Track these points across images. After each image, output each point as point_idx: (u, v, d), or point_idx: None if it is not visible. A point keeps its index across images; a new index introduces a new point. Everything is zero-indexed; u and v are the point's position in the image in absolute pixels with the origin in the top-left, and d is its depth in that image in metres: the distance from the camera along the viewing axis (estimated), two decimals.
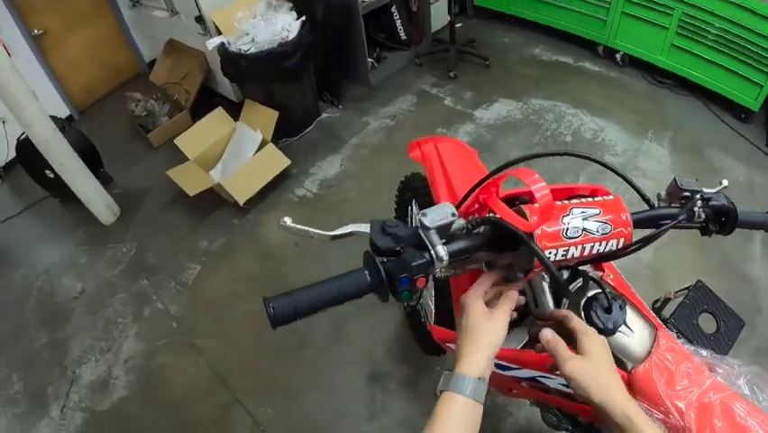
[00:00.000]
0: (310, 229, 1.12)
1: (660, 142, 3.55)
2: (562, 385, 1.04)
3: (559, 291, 0.95)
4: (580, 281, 0.95)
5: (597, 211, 0.83)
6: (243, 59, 3.38)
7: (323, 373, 2.46)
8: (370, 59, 4.30)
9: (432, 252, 0.77)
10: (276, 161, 3.41)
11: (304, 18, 3.56)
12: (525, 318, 1.04)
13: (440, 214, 0.81)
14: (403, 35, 4.58)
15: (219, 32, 3.57)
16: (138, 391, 2.49)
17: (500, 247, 0.86)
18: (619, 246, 0.84)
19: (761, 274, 2.69)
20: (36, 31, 4.25)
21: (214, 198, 3.37)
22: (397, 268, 0.75)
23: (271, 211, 3.34)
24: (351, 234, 1.13)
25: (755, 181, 3.22)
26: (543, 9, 4.85)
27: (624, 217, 0.83)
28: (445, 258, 0.77)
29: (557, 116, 3.84)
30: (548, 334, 0.83)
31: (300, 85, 3.75)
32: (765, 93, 3.67)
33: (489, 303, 0.86)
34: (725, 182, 0.97)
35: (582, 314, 0.89)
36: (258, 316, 2.68)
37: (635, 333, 0.94)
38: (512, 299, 0.88)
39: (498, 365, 1.09)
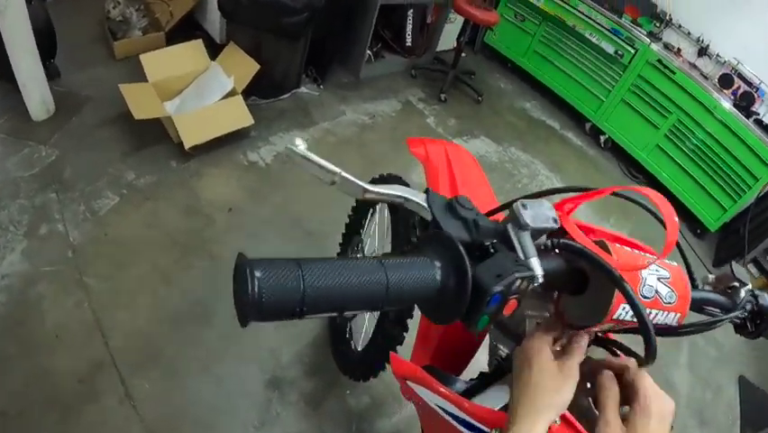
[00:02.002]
0: (328, 165, 0.64)
1: (620, 230, 3.51)
2: None
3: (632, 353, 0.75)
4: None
5: (667, 275, 0.69)
6: None
7: (219, 361, 2.18)
8: (369, 51, 4.11)
9: (527, 263, 0.57)
10: (239, 115, 3.13)
11: None
12: (507, 374, 0.86)
13: (542, 214, 0.63)
14: (409, 41, 4.43)
15: None
16: (2, 316, 2.12)
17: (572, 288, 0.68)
18: (674, 322, 0.70)
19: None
20: None
21: (159, 132, 3.06)
22: (491, 276, 0.51)
23: (215, 167, 3.04)
24: (388, 198, 0.72)
25: None
26: (547, 69, 4.86)
27: (686, 290, 0.69)
28: (540, 277, 0.57)
29: (532, 173, 3.81)
30: (608, 379, 0.68)
31: (292, 47, 3.50)
32: (727, 217, 3.80)
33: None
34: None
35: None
36: (163, 272, 2.44)
37: None
38: (583, 349, 0.72)
39: (466, 424, 0.87)
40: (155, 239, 2.56)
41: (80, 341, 2.10)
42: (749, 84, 3.91)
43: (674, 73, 4.03)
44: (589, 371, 0.72)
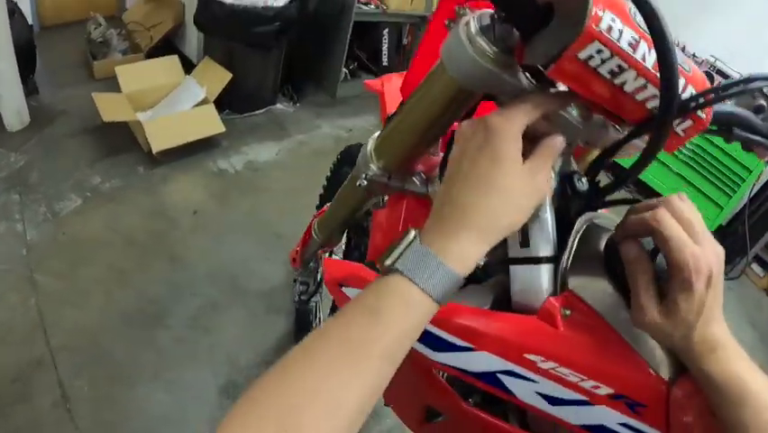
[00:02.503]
0: None
1: None
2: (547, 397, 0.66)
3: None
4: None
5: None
6: (219, 8, 3.13)
7: (170, 365, 2.07)
8: (345, 69, 4.13)
9: None
10: (209, 122, 3.13)
11: None
12: (494, 274, 0.70)
13: None
14: (385, 61, 4.45)
15: None
16: None
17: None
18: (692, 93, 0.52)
19: None
20: None
21: (129, 141, 3.06)
22: None
23: (183, 173, 3.02)
24: None
25: None
26: None
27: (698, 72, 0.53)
28: None
29: None
30: (634, 250, 0.54)
31: (265, 59, 3.53)
32: (724, 215, 3.74)
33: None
34: None
35: (604, 254, 0.63)
36: (120, 272, 2.35)
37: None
38: (554, 154, 0.55)
39: (430, 339, 0.68)
40: (114, 240, 2.51)
41: (21, 339, 2.01)
42: (728, 79, 3.85)
43: None
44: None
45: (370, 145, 0.76)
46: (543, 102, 0.53)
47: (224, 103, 3.41)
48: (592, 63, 0.46)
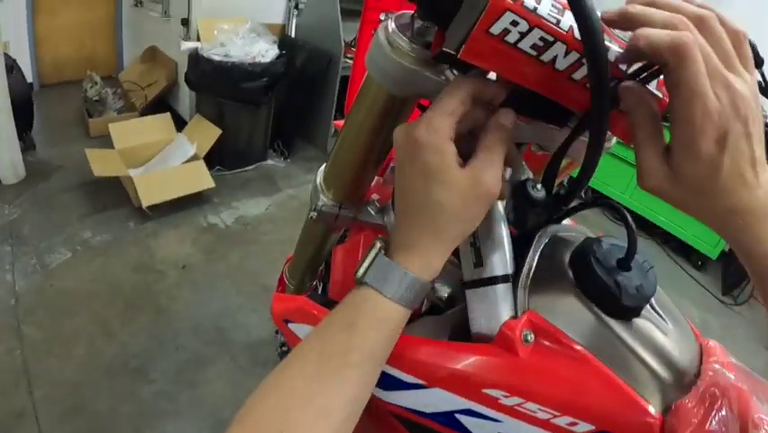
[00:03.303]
0: None
1: None
2: None
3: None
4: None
5: None
6: (208, 65, 3.26)
7: (151, 419, 2.02)
8: (335, 122, 4.24)
9: None
10: (199, 178, 3.19)
11: (283, 51, 3.52)
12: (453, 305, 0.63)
13: None
14: None
15: (199, 39, 3.49)
16: None
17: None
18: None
19: None
20: None
21: (121, 197, 3.12)
22: None
23: (173, 228, 3.06)
24: None
25: (710, 323, 3.27)
26: None
27: None
28: None
29: None
30: (636, 90, 0.42)
31: (255, 115, 3.62)
32: (725, 241, 3.73)
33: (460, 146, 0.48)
34: None
35: (570, 268, 0.55)
36: (104, 324, 2.38)
37: (672, 328, 0.55)
38: (502, 134, 0.48)
39: (386, 381, 0.57)
40: (101, 293, 2.53)
41: (3, 389, 2.01)
42: None
43: None
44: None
45: (319, 177, 0.72)
46: (463, 91, 0.47)
47: (215, 159, 3.50)
48: (509, 38, 0.41)
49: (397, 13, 0.52)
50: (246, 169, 3.82)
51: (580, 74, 0.43)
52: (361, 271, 0.50)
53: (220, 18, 3.50)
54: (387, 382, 0.57)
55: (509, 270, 0.55)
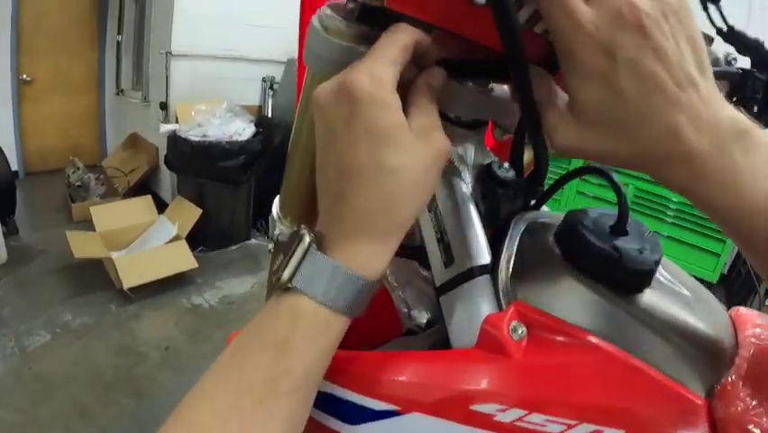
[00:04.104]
0: None
1: None
2: None
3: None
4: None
5: None
6: (186, 146, 3.35)
7: None
8: None
9: None
10: (182, 258, 3.19)
11: (260, 130, 3.63)
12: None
13: None
14: None
15: (177, 122, 3.60)
16: None
17: None
18: None
19: None
20: (25, 76, 4.40)
21: (102, 278, 3.10)
22: None
23: (156, 310, 3.02)
24: None
25: None
26: None
27: None
28: None
29: None
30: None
31: (235, 195, 3.68)
32: (723, 262, 3.70)
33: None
34: None
35: (556, 245, 0.46)
36: (82, 408, 2.32)
37: (691, 298, 0.46)
38: (435, 89, 0.41)
39: (339, 407, 0.45)
40: (80, 376, 2.46)
41: None
42: None
43: None
44: None
45: (275, 208, 0.65)
46: (407, 37, 0.38)
47: (198, 240, 3.51)
48: None
49: (329, 2, 0.44)
50: (230, 248, 3.83)
51: (541, 27, 0.38)
52: (287, 273, 0.37)
53: (197, 101, 3.64)
54: (350, 413, 0.44)
55: (487, 259, 0.46)
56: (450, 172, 0.51)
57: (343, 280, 0.37)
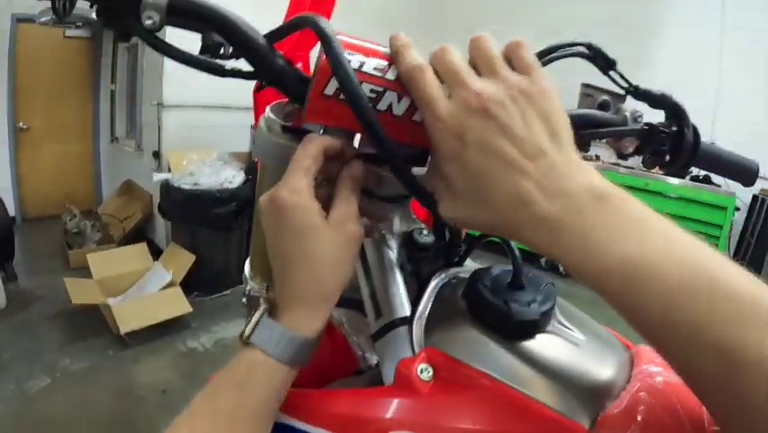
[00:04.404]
0: None
1: None
2: None
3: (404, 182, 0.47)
4: None
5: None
6: (179, 194, 3.48)
7: None
8: None
9: None
10: (176, 304, 3.28)
11: (250, 177, 3.76)
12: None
13: None
14: None
15: (170, 171, 3.74)
16: None
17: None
18: None
19: None
20: (22, 124, 4.48)
21: (100, 324, 3.17)
22: None
23: (153, 354, 3.09)
24: None
25: None
26: None
27: None
28: None
29: None
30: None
31: (228, 239, 3.79)
32: None
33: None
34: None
35: (463, 299, 0.56)
36: None
37: (584, 339, 0.55)
38: (355, 179, 0.50)
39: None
40: (80, 418, 2.53)
41: None
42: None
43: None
44: None
45: (246, 266, 0.76)
46: (314, 148, 0.48)
47: (193, 285, 3.60)
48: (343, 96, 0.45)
49: (274, 102, 0.57)
50: (224, 293, 3.90)
51: (419, 116, 0.45)
52: (247, 331, 0.49)
53: (189, 150, 3.79)
54: None
55: (406, 312, 0.56)
56: (379, 240, 0.61)
57: (287, 340, 0.48)
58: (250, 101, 4.35)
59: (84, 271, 3.55)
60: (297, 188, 0.46)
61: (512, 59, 0.42)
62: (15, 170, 4.59)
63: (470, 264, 0.65)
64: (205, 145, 3.93)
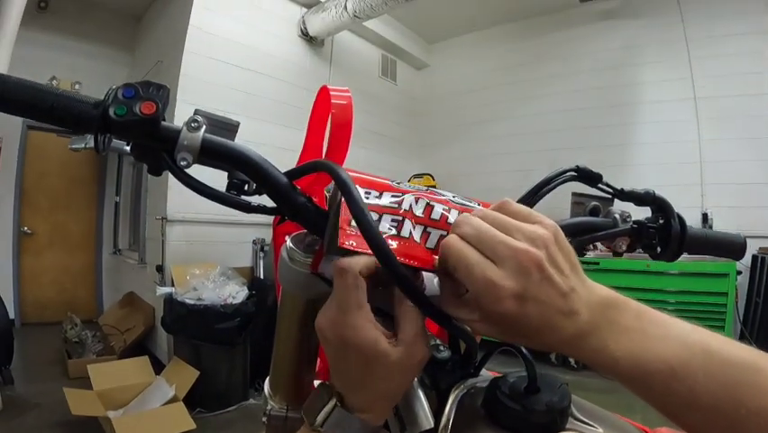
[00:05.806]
0: None
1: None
2: None
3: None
4: None
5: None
6: (183, 308, 3.49)
7: None
8: None
9: None
10: (179, 420, 3.18)
11: (253, 292, 3.79)
12: None
13: None
14: None
15: (173, 285, 3.76)
16: None
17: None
18: None
19: None
20: (26, 228, 4.53)
21: None
22: None
23: None
24: None
25: None
26: None
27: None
28: None
29: None
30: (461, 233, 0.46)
31: (231, 355, 3.75)
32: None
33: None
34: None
35: (482, 408, 0.60)
36: None
37: (602, 431, 0.58)
38: (415, 319, 0.50)
39: None
40: None
41: None
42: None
43: (598, 263, 4.32)
44: None
45: (266, 386, 0.76)
46: (351, 276, 0.48)
47: (196, 401, 3.52)
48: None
49: (294, 234, 0.60)
50: (228, 409, 3.81)
51: (431, 242, 0.49)
52: (319, 419, 0.51)
53: (192, 264, 3.85)
54: None
55: (430, 424, 0.57)
56: None
57: (360, 428, 0.50)
58: (251, 217, 4.46)
59: (83, 382, 3.47)
60: (358, 324, 0.47)
61: (514, 217, 0.46)
62: (17, 273, 4.61)
63: (485, 373, 0.68)
64: (206, 259, 3.99)
